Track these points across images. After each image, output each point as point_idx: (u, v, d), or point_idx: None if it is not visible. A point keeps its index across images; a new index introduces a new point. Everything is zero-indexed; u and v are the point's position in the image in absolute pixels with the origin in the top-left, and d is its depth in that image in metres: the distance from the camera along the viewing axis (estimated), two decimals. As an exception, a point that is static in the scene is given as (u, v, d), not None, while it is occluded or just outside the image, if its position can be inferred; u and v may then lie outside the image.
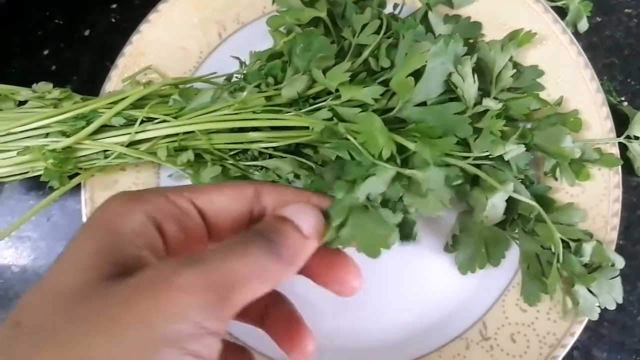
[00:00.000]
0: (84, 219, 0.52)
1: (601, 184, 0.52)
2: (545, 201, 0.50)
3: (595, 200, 0.52)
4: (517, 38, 0.52)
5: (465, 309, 0.53)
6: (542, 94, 0.53)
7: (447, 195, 0.42)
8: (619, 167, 0.51)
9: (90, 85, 0.56)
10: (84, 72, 0.60)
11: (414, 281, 0.53)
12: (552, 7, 0.54)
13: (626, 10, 0.59)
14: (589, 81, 0.53)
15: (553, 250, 0.47)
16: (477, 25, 0.53)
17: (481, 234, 0.50)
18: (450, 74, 0.46)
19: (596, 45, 0.58)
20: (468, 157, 0.46)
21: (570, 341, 0.49)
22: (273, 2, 0.53)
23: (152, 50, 0.55)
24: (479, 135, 0.46)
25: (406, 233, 0.49)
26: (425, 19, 0.51)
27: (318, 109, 0.47)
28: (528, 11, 0.53)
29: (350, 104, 0.46)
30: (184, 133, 0.48)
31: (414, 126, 0.44)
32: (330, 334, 0.53)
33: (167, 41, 0.55)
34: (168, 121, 0.48)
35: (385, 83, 0.47)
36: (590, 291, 0.47)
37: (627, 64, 0.58)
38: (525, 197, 0.47)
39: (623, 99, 0.57)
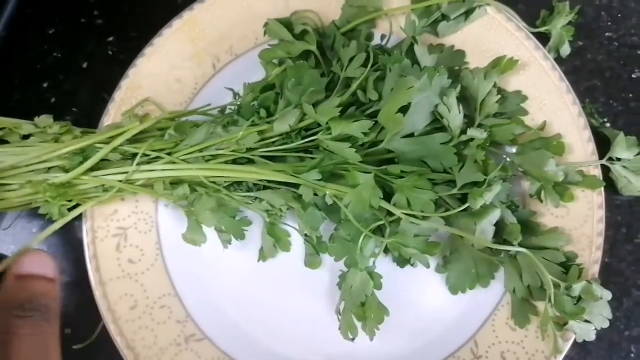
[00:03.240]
0: (85, 248, 0.54)
1: (585, 205, 0.53)
2: (529, 225, 0.52)
3: (580, 220, 0.53)
4: (500, 65, 0.53)
5: (456, 328, 0.54)
6: (526, 119, 0.55)
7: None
8: (602, 188, 0.53)
9: (89, 116, 0.58)
10: (83, 104, 0.61)
11: (406, 301, 0.55)
12: (535, 33, 0.56)
13: (607, 34, 0.61)
14: (571, 105, 0.55)
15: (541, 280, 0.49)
16: (461, 54, 0.55)
17: (471, 255, 0.52)
18: (436, 105, 0.48)
19: (579, 69, 0.60)
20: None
21: (559, 358, 0.51)
22: (265, 33, 0.55)
23: (148, 83, 0.56)
24: (464, 164, 0.48)
25: (405, 260, 0.51)
26: (411, 50, 0.52)
27: (309, 143, 0.48)
28: (511, 39, 0.55)
29: (339, 136, 0.48)
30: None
31: (401, 167, 0.47)
32: (323, 355, 0.54)
33: (162, 74, 0.57)
34: (162, 157, 0.49)
35: (373, 115, 0.49)
36: (584, 320, 0.49)
37: (609, 86, 0.60)
38: (511, 221, 0.49)
39: (605, 120, 0.59)
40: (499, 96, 0.52)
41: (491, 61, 0.55)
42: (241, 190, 0.51)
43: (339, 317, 0.51)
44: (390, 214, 0.48)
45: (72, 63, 0.63)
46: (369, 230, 0.48)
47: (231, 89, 0.55)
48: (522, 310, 0.51)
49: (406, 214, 0.47)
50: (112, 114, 0.56)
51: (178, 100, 0.57)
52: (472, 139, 0.48)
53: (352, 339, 0.50)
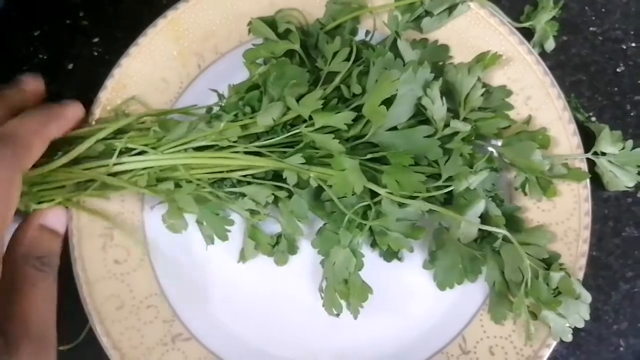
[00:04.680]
0: (71, 248, 0.54)
1: (571, 199, 0.53)
2: (514, 220, 0.52)
3: (566, 214, 0.53)
4: (484, 60, 0.54)
5: (444, 324, 0.54)
6: (512, 113, 0.55)
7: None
8: (588, 181, 0.53)
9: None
10: (69, 105, 0.61)
11: (394, 297, 0.55)
12: (520, 28, 0.57)
13: (591, 28, 0.61)
14: (555, 99, 0.55)
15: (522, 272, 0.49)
16: (444, 49, 0.55)
17: (457, 250, 0.52)
18: (419, 98, 0.48)
19: (563, 63, 0.60)
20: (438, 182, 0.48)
21: (547, 352, 0.51)
22: (249, 32, 0.55)
23: (134, 83, 0.56)
24: (449, 158, 0.48)
25: (392, 252, 0.51)
26: (394, 46, 0.53)
27: (294, 136, 0.48)
28: (495, 34, 0.55)
29: (323, 130, 0.48)
30: (162, 165, 0.50)
31: (386, 154, 0.46)
32: (312, 353, 0.54)
33: (147, 73, 0.57)
34: (146, 152, 0.49)
35: (357, 109, 0.49)
36: (559, 314, 0.49)
37: (594, 80, 0.60)
38: (496, 214, 0.49)
39: (591, 114, 0.59)
40: (484, 90, 0.52)
41: (475, 56, 0.55)
42: (226, 185, 0.50)
43: (322, 294, 0.51)
44: (375, 195, 0.48)
45: (57, 64, 0.62)
46: (352, 212, 0.48)
47: (215, 90, 0.55)
48: (499, 305, 0.51)
49: (391, 193, 0.46)
50: (98, 114, 0.55)
51: (164, 100, 0.57)
52: (456, 133, 0.48)
53: (337, 315, 0.50)
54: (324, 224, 0.52)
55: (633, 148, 0.53)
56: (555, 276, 0.49)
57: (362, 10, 0.55)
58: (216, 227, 0.52)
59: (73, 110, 0.51)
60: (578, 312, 0.48)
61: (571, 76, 0.60)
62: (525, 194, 0.53)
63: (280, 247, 0.53)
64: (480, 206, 0.48)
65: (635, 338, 0.56)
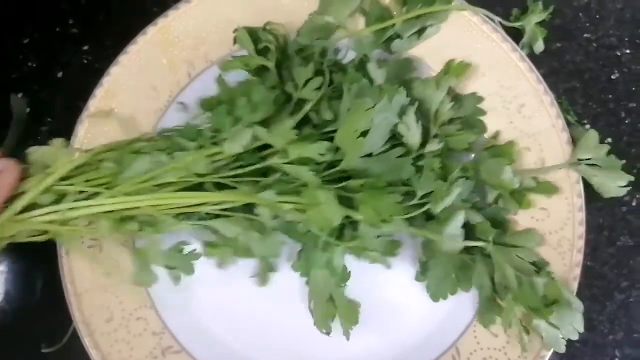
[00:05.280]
0: (60, 259, 0.53)
1: (565, 208, 0.53)
2: (499, 222, 0.51)
3: (560, 224, 0.53)
4: (452, 71, 0.53)
5: (438, 336, 0.54)
6: (505, 121, 0.54)
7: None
8: (582, 190, 0.53)
9: (65, 126, 0.57)
10: (59, 114, 0.60)
11: (387, 309, 0.54)
12: (509, 29, 0.56)
13: (585, 35, 0.61)
14: (549, 107, 0.54)
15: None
16: (409, 62, 0.55)
17: (449, 260, 0.51)
18: (396, 124, 0.47)
19: (557, 70, 0.60)
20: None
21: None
22: (234, 42, 0.54)
23: (123, 91, 0.56)
24: (422, 175, 0.47)
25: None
26: (362, 65, 0.52)
27: (265, 169, 0.48)
28: (487, 41, 0.55)
29: (297, 161, 0.47)
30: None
31: (362, 182, 0.46)
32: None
33: (137, 82, 0.56)
34: (101, 193, 0.47)
35: (329, 134, 0.48)
36: (551, 323, 0.48)
37: (588, 87, 0.59)
38: (478, 221, 0.49)
39: (585, 122, 0.59)
40: (452, 103, 0.51)
41: (442, 67, 0.55)
42: (192, 219, 0.49)
43: (312, 313, 0.51)
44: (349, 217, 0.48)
45: (47, 72, 0.62)
46: (327, 234, 0.47)
47: (182, 103, 0.55)
48: (488, 309, 0.51)
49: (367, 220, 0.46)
50: (87, 123, 0.55)
51: (153, 108, 0.57)
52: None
53: (327, 334, 0.50)
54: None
55: (628, 156, 0.52)
56: (539, 281, 0.48)
57: (339, 36, 0.54)
58: (182, 265, 0.52)
59: (6, 177, 0.47)
60: (572, 323, 0.48)
61: (565, 83, 0.59)
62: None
63: (260, 269, 0.53)
64: (460, 218, 0.47)
65: (630, 348, 0.55)
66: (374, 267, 0.53)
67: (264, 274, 0.53)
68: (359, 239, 0.48)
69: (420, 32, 0.54)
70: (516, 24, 0.58)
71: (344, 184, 0.47)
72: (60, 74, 0.62)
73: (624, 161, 0.52)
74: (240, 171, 0.47)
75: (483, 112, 0.54)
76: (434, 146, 0.47)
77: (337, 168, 0.47)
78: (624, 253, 0.57)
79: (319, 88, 0.49)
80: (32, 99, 0.61)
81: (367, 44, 0.53)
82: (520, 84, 0.55)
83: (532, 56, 0.58)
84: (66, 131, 0.56)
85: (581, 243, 0.52)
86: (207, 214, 0.49)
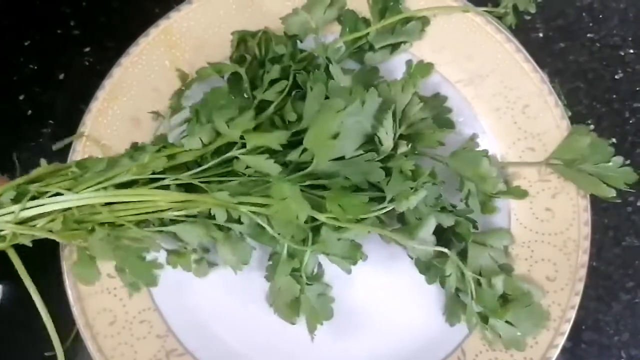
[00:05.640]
0: (62, 262, 0.53)
1: (570, 208, 0.53)
2: (468, 221, 0.51)
3: (565, 224, 0.53)
4: (414, 72, 0.54)
5: (443, 337, 0.53)
6: (509, 121, 0.54)
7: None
8: (587, 191, 0.53)
9: (67, 128, 0.56)
10: (60, 116, 0.60)
11: (392, 310, 0.54)
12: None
13: (589, 35, 0.60)
14: (553, 108, 0.54)
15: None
16: (375, 71, 0.55)
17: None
18: (375, 129, 0.46)
19: (561, 71, 0.59)
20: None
21: (547, 365, 0.50)
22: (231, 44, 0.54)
23: (125, 93, 0.56)
24: (391, 178, 0.46)
25: None
26: (327, 70, 0.51)
27: (226, 166, 0.48)
28: (491, 41, 0.55)
29: (257, 152, 0.46)
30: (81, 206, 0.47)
31: (328, 182, 0.46)
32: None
33: (139, 84, 0.56)
34: (62, 194, 0.46)
35: (293, 135, 0.47)
36: (508, 322, 0.48)
37: (592, 87, 0.59)
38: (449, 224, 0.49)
39: (589, 122, 0.58)
40: (421, 104, 0.49)
41: (406, 69, 0.55)
42: (154, 225, 0.48)
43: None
44: (315, 220, 0.47)
45: (49, 74, 0.62)
46: (291, 240, 0.47)
47: (156, 112, 0.55)
48: (454, 307, 0.51)
49: (335, 218, 0.45)
50: (89, 125, 0.55)
51: (155, 109, 0.56)
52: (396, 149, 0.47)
53: (293, 323, 0.50)
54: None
55: (632, 156, 0.52)
56: (497, 280, 0.48)
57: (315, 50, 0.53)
58: (141, 273, 0.50)
59: None
60: (530, 319, 0.48)
61: (569, 83, 0.59)
62: (467, 206, 0.51)
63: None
64: (431, 224, 0.47)
65: (636, 349, 0.55)
66: (379, 270, 0.53)
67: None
68: (321, 242, 0.47)
69: (394, 47, 0.55)
70: (500, 9, 0.57)
71: (309, 182, 0.46)
72: (61, 76, 0.62)
73: (628, 161, 0.52)
74: (198, 169, 0.47)
75: (450, 110, 0.54)
76: (402, 148, 0.47)
77: (305, 171, 0.46)
78: (630, 253, 0.56)
79: (282, 90, 0.49)
80: (33, 101, 0.61)
81: (333, 50, 0.54)
82: (524, 84, 0.55)
83: (536, 56, 0.57)
84: (68, 132, 0.56)
85: (587, 244, 0.52)
86: (171, 220, 0.48)
